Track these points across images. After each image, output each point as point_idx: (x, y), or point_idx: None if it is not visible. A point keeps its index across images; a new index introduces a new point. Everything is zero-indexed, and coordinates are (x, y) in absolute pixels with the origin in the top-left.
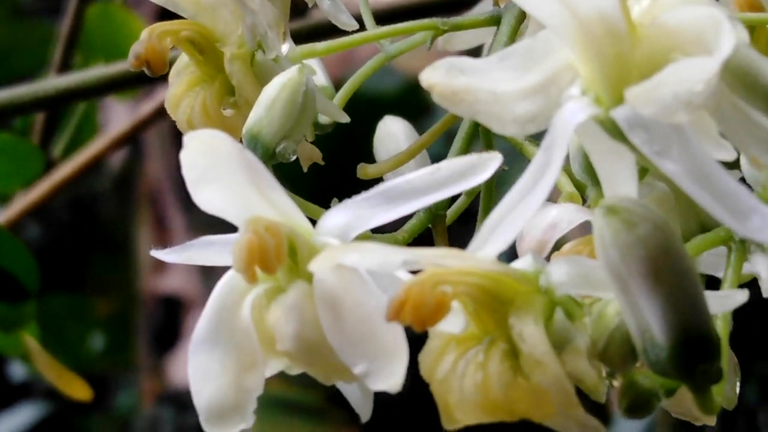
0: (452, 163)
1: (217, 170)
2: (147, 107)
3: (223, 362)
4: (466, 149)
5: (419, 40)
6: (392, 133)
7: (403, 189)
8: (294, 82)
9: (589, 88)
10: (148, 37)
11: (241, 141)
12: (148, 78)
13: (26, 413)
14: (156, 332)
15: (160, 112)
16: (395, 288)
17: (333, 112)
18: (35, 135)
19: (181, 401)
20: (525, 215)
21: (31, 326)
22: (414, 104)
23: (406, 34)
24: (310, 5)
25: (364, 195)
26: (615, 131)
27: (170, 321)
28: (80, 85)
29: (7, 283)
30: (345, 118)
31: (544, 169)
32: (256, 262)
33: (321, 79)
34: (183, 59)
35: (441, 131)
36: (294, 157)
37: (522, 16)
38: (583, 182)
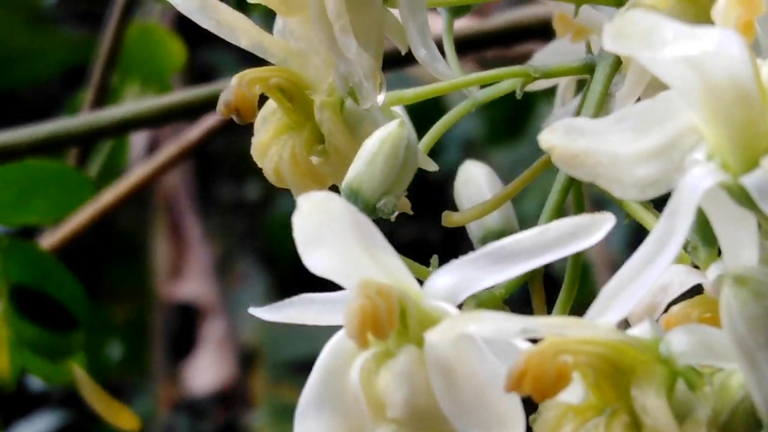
0: (562, 224)
1: (329, 232)
2: (194, 132)
3: (331, 428)
4: (561, 202)
5: (508, 87)
6: (474, 178)
7: (510, 250)
8: (395, 136)
9: (716, 153)
10: (237, 85)
11: (330, 190)
12: (196, 112)
13: (44, 422)
14: (172, 340)
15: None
16: (511, 355)
17: (422, 160)
18: (70, 158)
19: (196, 409)
20: (646, 285)
21: (79, 355)
22: (436, 111)
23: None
24: (403, 52)
25: (471, 256)
26: (743, 197)
27: (186, 328)
28: (135, 116)
29: (55, 311)
30: (434, 167)
31: (668, 238)
32: (368, 328)
33: (405, 121)
34: (269, 106)
35: (528, 180)
36: (396, 214)
37: (617, 64)
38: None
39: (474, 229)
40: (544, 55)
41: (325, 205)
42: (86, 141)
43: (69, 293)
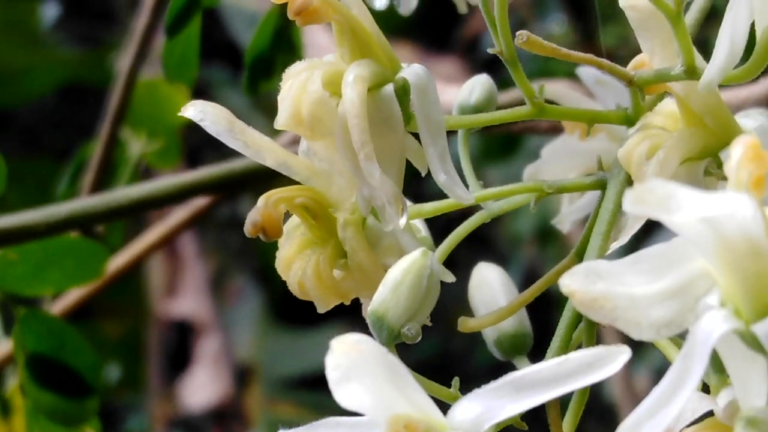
0: (580, 355)
1: (360, 371)
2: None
3: None
4: (572, 328)
5: (522, 201)
6: (488, 281)
7: (531, 380)
8: (419, 265)
9: (728, 300)
10: (264, 205)
11: (351, 304)
12: (219, 188)
13: None
14: (168, 356)
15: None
16: None
17: (440, 271)
18: None
19: (192, 426)
20: (663, 425)
21: (93, 421)
22: None
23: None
24: (423, 174)
25: (493, 385)
26: (755, 343)
27: (182, 345)
28: (150, 196)
29: (71, 379)
30: (451, 278)
31: (684, 380)
32: None
33: (422, 231)
34: (293, 221)
35: (543, 288)
36: (419, 339)
37: (628, 182)
38: None
39: (488, 332)
40: (552, 150)
41: (359, 347)
42: (102, 221)
43: (84, 361)
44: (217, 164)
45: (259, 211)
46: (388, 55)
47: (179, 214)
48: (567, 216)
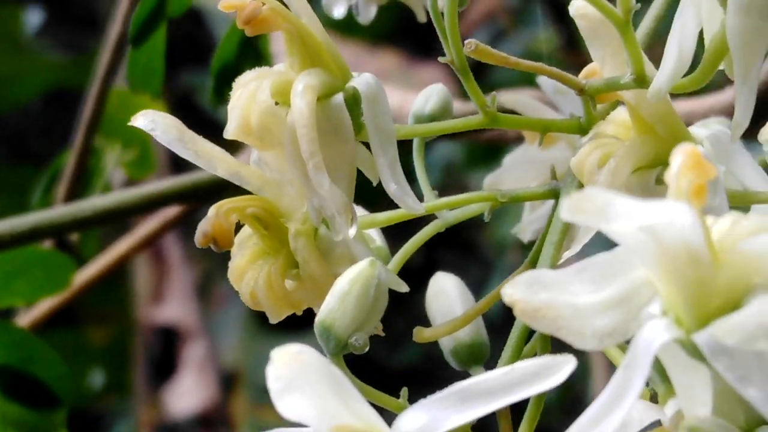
0: (526, 365)
1: (303, 382)
2: (173, 210)
3: None
4: (523, 338)
5: (477, 210)
6: (445, 291)
7: (476, 390)
8: (366, 275)
9: (670, 309)
10: (215, 215)
11: (303, 314)
12: (187, 198)
13: None
14: (153, 362)
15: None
16: None
17: (391, 281)
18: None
19: (178, 431)
20: None
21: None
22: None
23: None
24: (374, 184)
25: (439, 395)
26: (696, 353)
27: (167, 351)
28: (117, 206)
29: (38, 390)
30: (404, 288)
31: (625, 389)
32: None
33: (376, 240)
34: (245, 230)
35: (497, 298)
36: (366, 348)
37: (581, 187)
38: None
39: (445, 341)
40: (513, 159)
41: (300, 358)
42: (68, 231)
43: (53, 373)
44: (187, 174)
45: (209, 221)
46: (338, 64)
47: (148, 225)
48: (528, 225)
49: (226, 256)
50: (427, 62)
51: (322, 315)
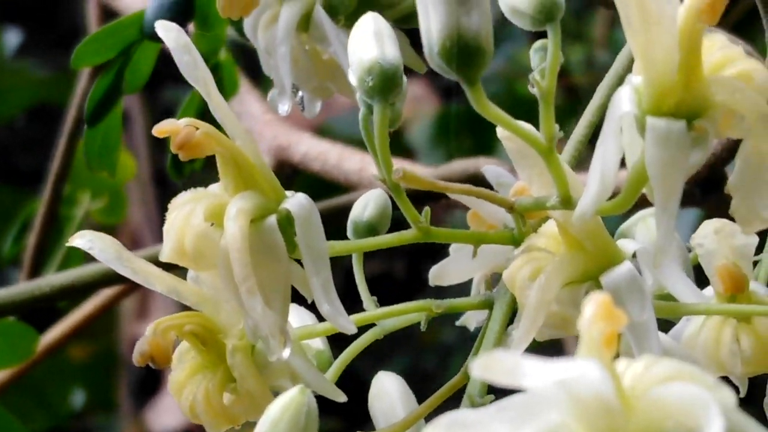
0: None
1: None
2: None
3: None
4: None
5: (414, 318)
6: (387, 391)
7: None
8: (297, 403)
9: None
10: (152, 334)
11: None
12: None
13: None
14: (137, 379)
15: None
16: None
17: (328, 389)
18: (25, 266)
19: None
20: None
21: None
22: (397, 148)
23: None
24: (309, 301)
25: None
26: None
27: (151, 368)
28: (77, 282)
29: None
30: (342, 398)
31: None
32: None
33: (318, 343)
34: (185, 345)
35: (444, 397)
36: None
37: (513, 301)
38: None
39: None
40: (458, 248)
41: None
42: (28, 308)
43: None
44: (142, 250)
45: (147, 340)
46: (272, 185)
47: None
48: (472, 315)
49: None
50: (411, 78)
51: None
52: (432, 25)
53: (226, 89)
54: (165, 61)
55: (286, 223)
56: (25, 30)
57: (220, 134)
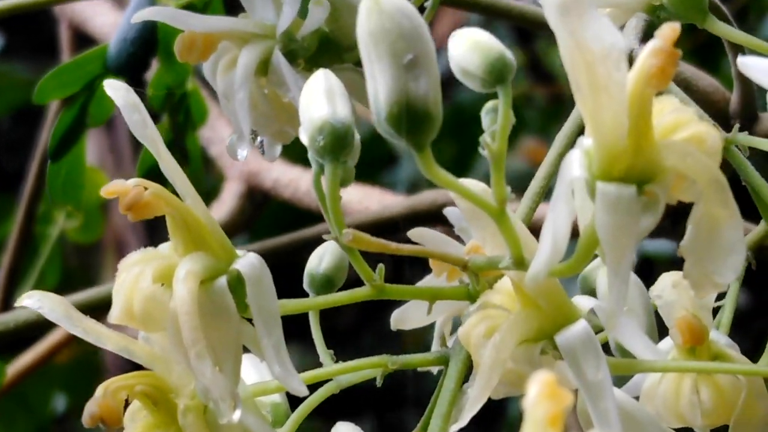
0: None
1: None
2: None
3: None
4: None
5: (370, 373)
6: None
7: None
8: None
9: None
10: (102, 395)
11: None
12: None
13: None
14: None
15: None
16: None
17: None
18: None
19: None
20: None
21: None
22: (379, 153)
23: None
24: (261, 362)
25: None
26: None
27: (136, 368)
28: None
29: None
30: None
31: None
32: None
33: (275, 396)
34: (137, 404)
35: None
36: None
37: (468, 358)
38: None
39: None
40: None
41: None
42: None
43: None
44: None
45: (96, 401)
46: (222, 246)
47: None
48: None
49: None
50: None
51: None
52: (379, 91)
53: (195, 119)
54: None
55: (237, 283)
56: (7, 33)
57: (170, 195)
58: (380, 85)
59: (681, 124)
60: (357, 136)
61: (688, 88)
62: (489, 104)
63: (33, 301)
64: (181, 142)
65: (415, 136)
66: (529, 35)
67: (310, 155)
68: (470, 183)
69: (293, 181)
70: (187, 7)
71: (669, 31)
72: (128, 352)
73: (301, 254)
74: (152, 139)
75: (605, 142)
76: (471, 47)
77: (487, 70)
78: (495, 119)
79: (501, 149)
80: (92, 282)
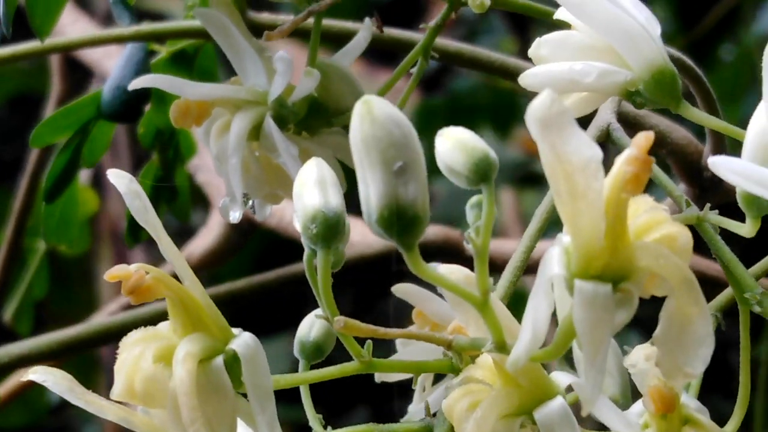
0: None
1: None
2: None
3: None
4: None
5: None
6: None
7: None
8: None
9: None
10: None
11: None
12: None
13: None
14: None
15: None
16: None
17: None
18: None
19: None
20: None
21: None
22: None
23: None
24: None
25: None
26: None
27: None
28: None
29: None
30: None
31: None
32: None
33: None
34: None
35: None
36: None
37: (451, 429)
38: None
39: None
40: (402, 345)
41: None
42: None
43: None
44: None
45: None
46: (219, 326)
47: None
48: (413, 414)
49: None
50: (388, 69)
51: None
52: (371, 195)
53: (184, 154)
54: None
55: (233, 361)
56: None
57: (170, 278)
58: (372, 190)
59: (655, 224)
60: (348, 223)
61: (662, 141)
62: (473, 199)
63: (38, 376)
64: (170, 178)
65: (405, 238)
66: (524, 24)
67: (303, 241)
68: (454, 270)
69: (278, 211)
70: (179, 53)
71: (643, 140)
72: (129, 423)
73: (288, 289)
74: (153, 224)
75: (583, 243)
76: (456, 146)
77: (473, 169)
78: (479, 215)
79: (485, 244)
80: (87, 273)
